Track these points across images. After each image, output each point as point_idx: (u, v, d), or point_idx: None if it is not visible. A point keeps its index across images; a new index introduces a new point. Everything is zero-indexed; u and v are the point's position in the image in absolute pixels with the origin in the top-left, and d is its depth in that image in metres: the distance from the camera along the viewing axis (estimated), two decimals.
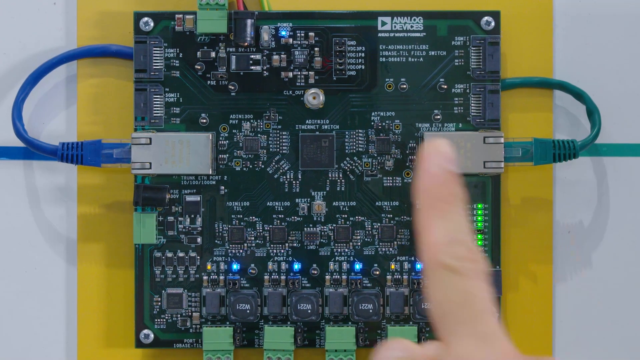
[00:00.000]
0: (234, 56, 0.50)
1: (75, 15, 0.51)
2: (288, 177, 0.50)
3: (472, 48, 0.50)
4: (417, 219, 0.31)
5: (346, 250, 0.50)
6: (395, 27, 0.50)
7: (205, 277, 0.50)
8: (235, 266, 0.50)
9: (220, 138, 0.50)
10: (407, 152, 0.50)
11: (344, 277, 0.50)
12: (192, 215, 0.50)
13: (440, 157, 0.30)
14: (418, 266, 0.50)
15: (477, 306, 0.29)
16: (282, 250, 0.50)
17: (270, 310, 0.49)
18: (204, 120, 0.49)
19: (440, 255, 0.29)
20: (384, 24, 0.50)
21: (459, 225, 0.30)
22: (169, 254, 0.50)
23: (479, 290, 0.29)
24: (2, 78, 0.51)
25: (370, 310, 0.49)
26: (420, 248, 0.30)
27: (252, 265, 0.50)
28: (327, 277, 0.50)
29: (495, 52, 0.49)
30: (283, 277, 0.50)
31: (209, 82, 0.50)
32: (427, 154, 0.30)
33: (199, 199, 0.50)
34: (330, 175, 0.50)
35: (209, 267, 0.50)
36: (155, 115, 0.49)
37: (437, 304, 0.29)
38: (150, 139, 0.48)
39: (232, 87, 0.50)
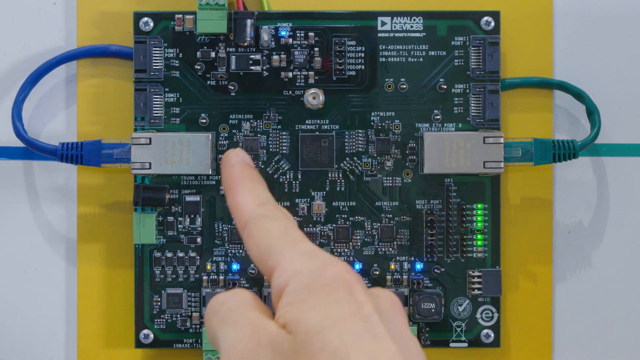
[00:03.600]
0: (234, 56, 0.50)
1: (75, 15, 0.51)
2: (288, 177, 0.50)
3: (472, 48, 0.50)
4: (227, 198, 0.36)
5: (346, 250, 0.50)
6: (395, 27, 0.50)
7: (205, 277, 0.50)
8: (235, 266, 0.50)
9: (220, 138, 0.50)
10: (407, 152, 0.50)
11: None
12: (192, 215, 0.50)
13: (236, 155, 0.38)
14: (418, 266, 0.50)
15: (293, 235, 0.33)
16: None
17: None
18: (204, 121, 0.50)
19: (255, 211, 0.35)
20: (383, 24, 0.50)
21: (263, 194, 0.36)
22: (169, 254, 0.50)
23: (293, 227, 0.34)
24: (2, 78, 0.51)
25: None
26: (234, 216, 0.35)
27: (252, 265, 0.50)
28: None
29: (495, 52, 0.49)
30: None
31: (208, 82, 0.50)
32: (225, 155, 0.38)
33: (198, 199, 0.50)
34: (330, 176, 0.50)
35: (208, 267, 0.50)
36: (155, 115, 0.49)
37: (258, 246, 0.33)
38: (150, 139, 0.48)
39: (232, 87, 0.50)
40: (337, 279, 0.31)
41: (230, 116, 0.50)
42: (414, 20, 0.50)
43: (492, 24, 0.50)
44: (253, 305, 0.32)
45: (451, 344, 0.50)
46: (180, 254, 0.50)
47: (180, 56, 0.50)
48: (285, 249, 0.33)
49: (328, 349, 0.28)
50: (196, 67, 0.49)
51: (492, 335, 0.50)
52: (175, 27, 0.49)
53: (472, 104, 0.50)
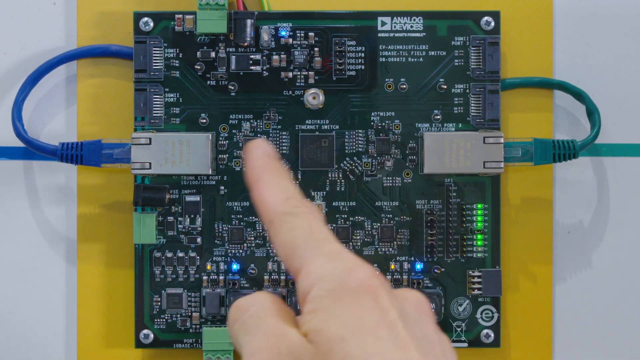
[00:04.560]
0: (234, 56, 0.50)
1: (75, 15, 0.51)
2: None
3: (472, 48, 0.50)
4: (252, 193, 0.35)
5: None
6: (395, 27, 0.50)
7: (205, 277, 0.50)
8: (235, 266, 0.50)
9: (220, 138, 0.50)
10: (407, 152, 0.50)
11: None
12: (192, 216, 0.50)
13: (260, 146, 0.37)
14: (418, 266, 0.50)
15: (318, 235, 0.33)
16: None
17: None
18: (204, 121, 0.50)
19: (279, 208, 0.34)
20: (383, 24, 0.50)
21: (288, 187, 0.35)
22: (169, 254, 0.50)
23: (318, 225, 0.33)
24: (2, 78, 0.51)
25: None
26: (259, 211, 0.35)
27: (252, 265, 0.50)
28: None
29: (495, 52, 0.49)
30: (283, 277, 0.50)
31: (208, 82, 0.50)
32: (249, 147, 0.37)
33: (198, 199, 0.50)
34: (330, 176, 0.50)
35: (208, 267, 0.50)
36: (155, 115, 0.49)
37: (284, 245, 0.33)
38: (150, 139, 0.48)
39: (232, 87, 0.50)
40: (361, 284, 0.30)
41: (230, 116, 0.50)
42: (414, 20, 0.50)
43: (492, 24, 0.50)
44: (274, 311, 0.32)
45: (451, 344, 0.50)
46: (180, 254, 0.50)
47: (180, 56, 0.50)
48: (310, 251, 0.32)
49: (349, 359, 0.28)
50: (196, 67, 0.49)
51: (492, 335, 0.50)
52: (175, 27, 0.49)
53: (472, 104, 0.50)
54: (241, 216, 0.50)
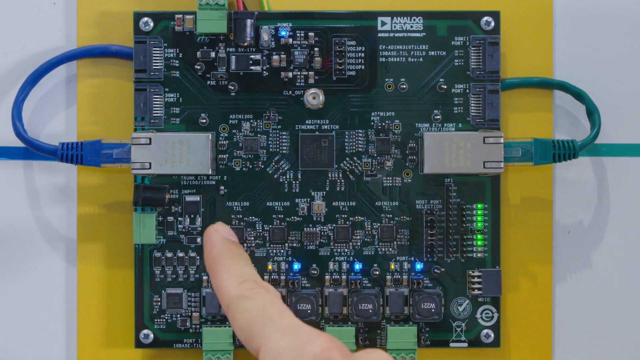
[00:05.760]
0: (234, 56, 0.50)
1: (75, 15, 0.51)
2: (288, 177, 0.50)
3: (472, 48, 0.50)
4: (210, 277, 0.37)
5: (346, 250, 0.50)
6: (395, 27, 0.50)
7: (205, 277, 0.50)
8: None
9: (220, 138, 0.50)
10: (407, 152, 0.50)
11: (344, 277, 0.50)
12: (192, 216, 0.50)
13: (217, 231, 0.39)
14: (418, 266, 0.50)
15: (272, 312, 0.34)
16: (282, 251, 0.50)
17: None
18: (204, 121, 0.50)
19: (233, 292, 0.36)
20: (383, 24, 0.50)
21: (244, 270, 0.37)
22: (169, 254, 0.50)
23: (272, 302, 0.34)
24: (2, 78, 0.51)
25: (370, 310, 0.49)
26: (218, 296, 0.36)
27: (252, 265, 0.50)
28: (327, 277, 0.50)
29: (495, 52, 0.49)
30: (283, 277, 0.50)
31: (208, 82, 0.50)
32: (206, 233, 0.40)
33: (198, 199, 0.50)
34: (330, 175, 0.50)
35: None
36: (155, 115, 0.49)
37: (242, 328, 0.34)
38: (150, 139, 0.48)
39: (232, 87, 0.50)
40: (315, 358, 0.31)
41: (230, 116, 0.50)
42: (414, 20, 0.50)
43: (492, 24, 0.50)
44: None
45: (451, 344, 0.50)
46: (180, 254, 0.50)
47: (180, 56, 0.50)
48: (265, 329, 0.33)
49: None
50: (196, 67, 0.49)
51: (492, 335, 0.50)
52: (175, 27, 0.49)
53: (472, 104, 0.50)
54: (241, 216, 0.50)
